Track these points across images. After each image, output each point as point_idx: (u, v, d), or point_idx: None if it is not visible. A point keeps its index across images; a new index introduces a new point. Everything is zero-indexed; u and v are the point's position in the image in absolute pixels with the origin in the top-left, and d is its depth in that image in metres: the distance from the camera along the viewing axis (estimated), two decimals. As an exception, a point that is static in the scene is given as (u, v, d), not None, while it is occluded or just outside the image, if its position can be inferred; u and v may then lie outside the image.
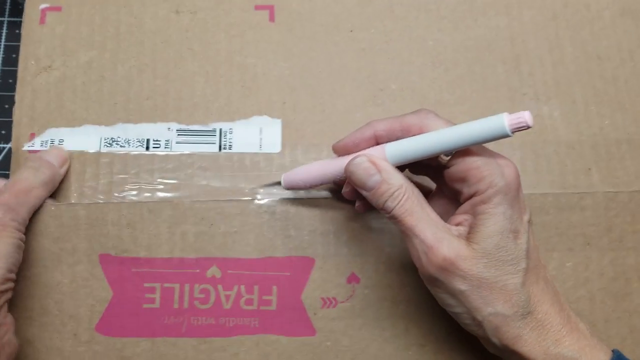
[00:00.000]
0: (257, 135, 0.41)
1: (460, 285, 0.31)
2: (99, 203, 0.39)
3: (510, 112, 0.31)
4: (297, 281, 0.38)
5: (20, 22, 0.54)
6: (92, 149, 0.40)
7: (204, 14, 0.44)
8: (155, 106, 0.41)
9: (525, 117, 0.30)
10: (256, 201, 0.40)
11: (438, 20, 0.45)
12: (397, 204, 0.32)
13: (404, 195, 0.32)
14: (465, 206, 0.33)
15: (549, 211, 0.41)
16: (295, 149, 0.41)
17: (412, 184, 0.33)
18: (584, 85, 0.45)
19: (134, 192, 0.40)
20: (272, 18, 0.44)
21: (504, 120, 0.30)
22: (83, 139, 0.40)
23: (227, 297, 0.38)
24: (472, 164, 0.32)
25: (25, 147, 0.40)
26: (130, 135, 0.40)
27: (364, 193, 0.33)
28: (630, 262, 0.41)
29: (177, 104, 0.42)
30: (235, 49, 0.43)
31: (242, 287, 0.38)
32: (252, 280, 0.38)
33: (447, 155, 0.33)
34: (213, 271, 0.38)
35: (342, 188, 0.37)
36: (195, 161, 0.41)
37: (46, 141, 0.40)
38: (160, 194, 0.40)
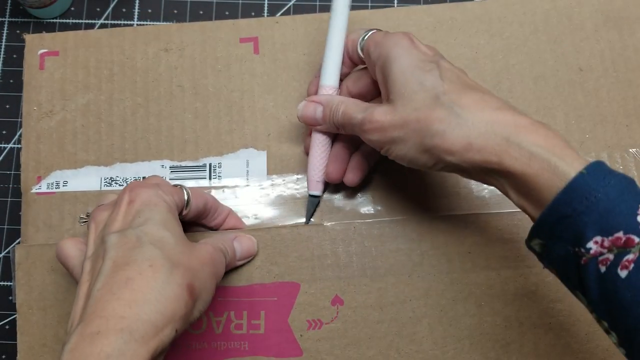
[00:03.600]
0: (244, 167, 0.46)
1: (394, 134, 0.36)
2: (102, 239, 0.44)
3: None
4: (284, 305, 0.43)
5: (21, 22, 0.60)
6: (93, 188, 0.46)
7: (192, 50, 0.48)
8: (149, 145, 0.46)
9: None
10: (244, 231, 0.44)
11: (418, 41, 0.48)
12: (339, 113, 0.40)
13: (341, 104, 0.40)
14: (383, 90, 0.38)
15: (527, 229, 0.44)
16: (280, 178, 0.46)
17: (348, 98, 0.41)
18: (565, 98, 0.47)
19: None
20: (256, 50, 0.48)
21: None
22: (85, 180, 0.46)
23: (218, 322, 0.43)
24: (370, 46, 0.39)
25: (33, 190, 0.46)
26: (128, 174, 0.45)
27: (319, 128, 0.42)
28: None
29: (169, 141, 0.46)
30: (222, 83, 0.48)
31: (232, 313, 0.43)
32: (241, 306, 0.43)
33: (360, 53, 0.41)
34: (205, 299, 0.43)
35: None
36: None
37: (52, 183, 0.45)
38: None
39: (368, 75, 0.42)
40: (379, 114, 0.36)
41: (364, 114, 0.37)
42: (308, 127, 0.44)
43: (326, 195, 0.46)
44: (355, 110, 0.39)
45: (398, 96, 0.36)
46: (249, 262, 0.43)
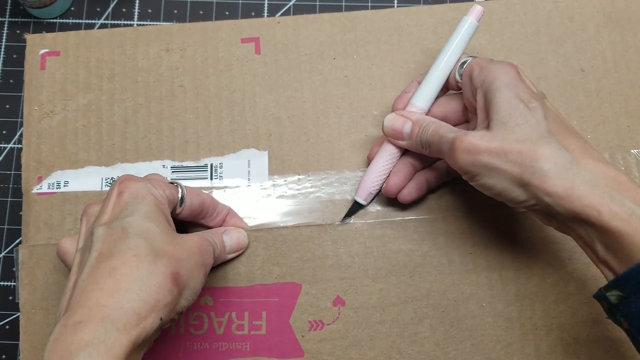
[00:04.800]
0: (245, 167, 0.46)
1: (489, 160, 0.35)
2: (103, 239, 0.45)
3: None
4: (285, 306, 0.44)
5: (21, 22, 0.61)
6: (94, 188, 0.46)
7: (193, 50, 0.49)
8: (150, 145, 0.47)
9: (477, 7, 0.41)
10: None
11: (419, 41, 0.49)
12: (428, 132, 0.40)
13: (431, 124, 0.40)
14: (481, 115, 0.38)
15: (528, 229, 0.45)
16: (281, 178, 0.46)
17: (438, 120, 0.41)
18: (566, 99, 0.47)
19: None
20: (257, 50, 0.49)
21: (468, 19, 0.42)
22: (86, 180, 0.46)
23: (220, 323, 0.43)
24: (474, 69, 0.39)
25: (34, 190, 0.46)
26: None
27: (401, 143, 0.42)
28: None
29: (171, 141, 0.47)
30: (223, 83, 0.48)
31: (234, 314, 0.43)
32: (242, 307, 0.43)
33: (458, 78, 0.42)
34: (206, 299, 0.43)
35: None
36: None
37: (53, 183, 0.46)
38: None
39: (458, 101, 0.43)
40: (475, 137, 0.36)
41: (456, 134, 0.37)
42: (381, 137, 0.45)
43: (329, 196, 0.46)
44: (447, 130, 0.39)
45: (500, 124, 0.36)
46: (250, 262, 0.44)
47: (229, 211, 0.45)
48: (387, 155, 0.43)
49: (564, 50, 0.48)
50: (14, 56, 0.61)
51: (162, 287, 0.33)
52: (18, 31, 0.61)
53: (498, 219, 0.45)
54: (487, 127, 0.37)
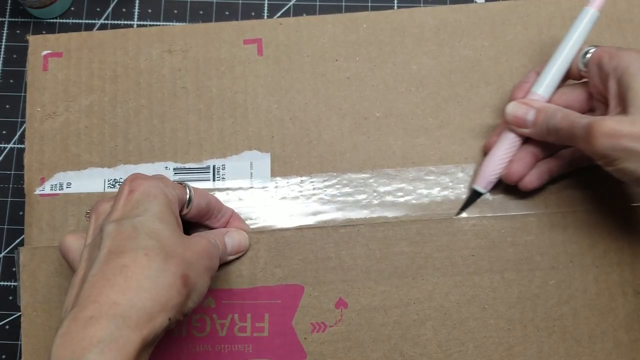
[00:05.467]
0: (247, 169, 0.47)
1: (631, 144, 0.36)
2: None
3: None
4: (288, 308, 0.44)
5: (21, 22, 0.61)
6: (97, 190, 0.46)
7: (195, 52, 0.49)
8: (153, 146, 0.47)
9: None
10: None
11: (422, 43, 0.49)
12: (556, 117, 0.41)
13: (558, 111, 0.41)
14: (613, 101, 0.40)
15: (530, 232, 0.45)
16: (284, 180, 0.47)
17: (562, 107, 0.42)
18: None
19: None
20: (260, 52, 0.49)
21: (590, 10, 0.43)
22: (88, 182, 0.46)
23: (222, 325, 0.44)
24: (603, 57, 0.40)
25: (37, 192, 0.46)
26: (131, 176, 0.46)
27: (525, 131, 0.43)
28: (615, 278, 0.45)
29: (173, 142, 0.47)
30: (226, 85, 0.48)
31: (236, 316, 0.44)
32: (244, 309, 0.44)
33: (581, 67, 0.43)
34: (208, 302, 0.44)
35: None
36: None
37: (55, 185, 0.46)
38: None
39: (581, 90, 0.44)
40: (614, 121, 0.37)
41: (590, 120, 0.38)
42: (500, 126, 0.46)
43: (331, 197, 0.46)
44: (577, 115, 0.40)
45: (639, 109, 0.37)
46: (252, 264, 0.44)
47: (232, 213, 0.45)
48: (508, 144, 0.44)
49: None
50: (14, 56, 0.61)
51: (172, 287, 0.34)
52: (18, 31, 0.62)
53: (500, 221, 0.45)
54: (623, 112, 0.38)
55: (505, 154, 0.44)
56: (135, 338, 0.31)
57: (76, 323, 0.31)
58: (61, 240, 0.40)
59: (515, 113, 0.43)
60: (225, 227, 0.44)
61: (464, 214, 0.46)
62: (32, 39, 0.49)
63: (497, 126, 0.46)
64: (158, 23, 0.62)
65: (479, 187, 0.45)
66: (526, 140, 0.44)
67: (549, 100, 0.44)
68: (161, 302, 0.33)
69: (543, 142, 0.44)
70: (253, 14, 0.61)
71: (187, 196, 0.40)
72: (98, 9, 0.62)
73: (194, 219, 0.42)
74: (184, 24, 0.60)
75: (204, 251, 0.38)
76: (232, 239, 0.43)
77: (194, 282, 0.36)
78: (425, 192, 0.47)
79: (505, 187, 0.46)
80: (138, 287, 0.33)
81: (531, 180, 0.44)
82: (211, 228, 0.44)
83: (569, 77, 0.44)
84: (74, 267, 0.38)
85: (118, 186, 0.46)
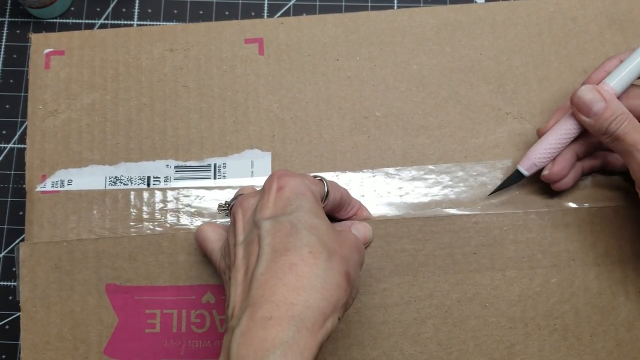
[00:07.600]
0: (248, 168, 0.48)
1: None
2: (105, 238, 0.46)
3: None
4: (289, 305, 0.45)
5: (21, 22, 0.62)
6: (98, 187, 0.47)
7: (197, 51, 0.50)
8: (154, 144, 0.48)
9: None
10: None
11: (423, 42, 0.50)
12: (620, 125, 0.40)
13: (626, 119, 0.40)
14: None
15: (532, 229, 0.46)
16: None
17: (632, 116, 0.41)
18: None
19: (138, 226, 0.47)
20: (261, 51, 0.50)
21: None
22: (90, 179, 0.47)
23: (222, 321, 0.45)
24: None
25: (38, 189, 0.47)
26: (133, 174, 0.47)
27: (586, 120, 0.41)
28: (617, 276, 0.46)
29: (174, 141, 0.48)
30: (227, 84, 0.50)
31: (237, 313, 0.45)
32: (246, 306, 0.45)
33: None
34: (208, 297, 0.45)
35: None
36: (192, 195, 0.47)
37: (56, 182, 0.47)
38: (159, 228, 0.47)
39: None
40: None
41: None
42: (559, 110, 0.45)
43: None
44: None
45: None
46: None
47: (360, 205, 0.45)
48: (564, 131, 0.43)
49: (566, 51, 0.50)
50: (14, 56, 0.62)
51: (339, 286, 0.34)
52: (18, 31, 0.63)
53: (502, 219, 0.46)
54: None
55: (558, 141, 0.43)
56: (312, 341, 0.31)
57: (255, 323, 0.31)
58: (198, 229, 0.41)
59: (585, 97, 0.41)
60: (353, 218, 0.45)
61: (466, 212, 0.47)
62: (34, 37, 0.51)
63: (557, 110, 0.46)
64: (158, 23, 0.63)
65: (522, 168, 0.45)
66: (578, 136, 0.44)
67: (619, 96, 0.43)
68: (332, 302, 0.33)
69: (589, 141, 0.43)
70: (253, 13, 0.63)
71: (325, 190, 0.40)
72: (98, 9, 0.64)
73: (328, 212, 0.42)
74: (184, 23, 0.61)
75: (355, 245, 0.38)
76: (358, 231, 0.44)
77: (354, 279, 0.36)
78: (425, 191, 0.48)
79: (506, 185, 0.47)
80: (310, 287, 0.32)
81: (567, 182, 0.44)
82: (340, 219, 0.44)
83: None
84: (212, 258, 0.40)
85: (119, 184, 0.47)
